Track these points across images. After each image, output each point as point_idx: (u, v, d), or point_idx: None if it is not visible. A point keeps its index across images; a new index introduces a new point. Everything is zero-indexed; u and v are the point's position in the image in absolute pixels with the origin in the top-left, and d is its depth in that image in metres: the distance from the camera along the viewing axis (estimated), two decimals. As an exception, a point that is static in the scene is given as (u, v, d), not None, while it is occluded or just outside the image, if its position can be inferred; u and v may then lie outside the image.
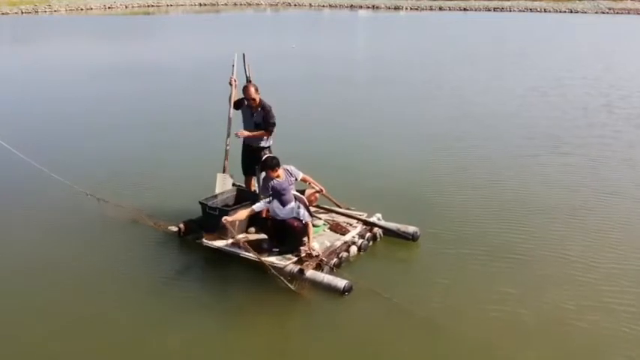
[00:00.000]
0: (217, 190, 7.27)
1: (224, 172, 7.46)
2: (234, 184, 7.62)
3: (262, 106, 7.12)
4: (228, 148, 7.49)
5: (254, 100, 7.08)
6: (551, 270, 6.45)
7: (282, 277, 5.96)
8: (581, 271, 6.44)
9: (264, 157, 6.84)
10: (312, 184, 7.15)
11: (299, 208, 6.28)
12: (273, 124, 7.14)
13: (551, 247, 7.01)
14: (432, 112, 14.40)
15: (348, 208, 7.48)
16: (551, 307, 5.71)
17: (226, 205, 7.11)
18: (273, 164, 6.59)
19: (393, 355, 5.04)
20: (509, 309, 5.68)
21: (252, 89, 7.06)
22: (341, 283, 5.84)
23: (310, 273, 6.02)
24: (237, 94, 7.36)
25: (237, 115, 7.45)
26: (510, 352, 5.07)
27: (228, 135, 7.47)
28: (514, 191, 8.90)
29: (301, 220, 6.24)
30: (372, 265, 6.53)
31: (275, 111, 7.25)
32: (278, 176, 6.59)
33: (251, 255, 6.26)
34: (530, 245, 7.05)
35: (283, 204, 6.25)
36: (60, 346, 5.18)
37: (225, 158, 7.51)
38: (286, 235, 6.38)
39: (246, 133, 7.19)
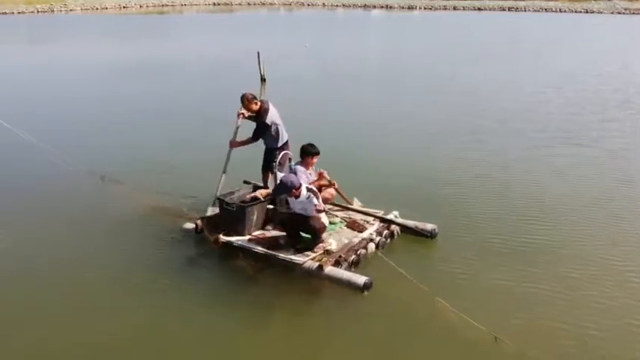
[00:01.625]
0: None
1: (213, 206, 7.32)
2: (247, 182, 7.67)
3: (261, 113, 7.22)
4: (220, 183, 7.38)
5: (251, 110, 7.29)
6: (575, 258, 6.52)
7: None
8: (604, 253, 6.59)
9: (302, 145, 6.99)
10: (324, 178, 7.09)
11: (308, 198, 6.22)
12: (255, 136, 7.31)
13: (573, 237, 7.07)
14: (446, 110, 14.34)
15: (362, 206, 7.43)
16: (578, 300, 5.71)
17: (243, 202, 7.13)
18: (309, 151, 6.82)
19: (412, 353, 4.99)
20: (531, 302, 5.65)
21: (247, 103, 7.25)
22: (361, 279, 5.79)
23: (329, 269, 5.98)
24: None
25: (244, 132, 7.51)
26: (533, 349, 4.97)
27: (224, 172, 7.42)
28: (531, 183, 8.95)
29: (318, 216, 6.24)
30: (390, 262, 6.41)
31: (282, 111, 7.38)
32: (312, 164, 6.81)
33: (269, 251, 6.26)
34: (551, 233, 7.14)
35: (297, 197, 6.25)
36: (75, 338, 5.20)
37: (216, 194, 7.31)
38: (302, 231, 6.37)
39: (235, 144, 7.39)
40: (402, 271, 5.92)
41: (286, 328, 5.44)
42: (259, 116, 7.23)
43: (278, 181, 6.63)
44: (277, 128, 7.29)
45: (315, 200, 6.23)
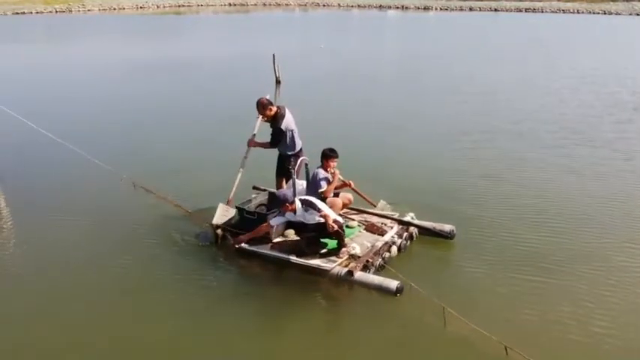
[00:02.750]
0: (215, 219, 7.04)
1: (227, 203, 7.28)
2: (256, 188, 7.72)
3: (276, 119, 7.19)
4: (237, 181, 7.35)
5: (266, 115, 7.25)
6: (592, 259, 6.53)
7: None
8: (621, 255, 6.63)
9: (323, 150, 6.99)
10: (337, 177, 7.03)
11: (306, 211, 6.23)
12: (273, 142, 7.27)
13: (589, 238, 7.07)
14: (462, 110, 14.37)
15: (390, 208, 7.45)
16: (596, 303, 5.68)
17: (261, 206, 7.18)
18: (329, 155, 6.88)
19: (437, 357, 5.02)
20: (546, 306, 5.63)
21: (262, 108, 7.21)
22: (393, 284, 5.72)
23: (359, 274, 5.92)
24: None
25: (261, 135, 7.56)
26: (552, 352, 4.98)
27: (241, 171, 7.39)
28: (546, 183, 9.02)
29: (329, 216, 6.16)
30: (413, 264, 6.45)
31: (297, 113, 7.38)
32: (331, 167, 6.86)
33: (294, 258, 6.22)
34: (567, 234, 7.16)
35: (294, 212, 6.28)
36: (96, 337, 5.24)
37: (231, 191, 7.31)
38: (322, 237, 6.37)
39: (253, 143, 7.36)
40: (418, 289, 5.71)
41: (301, 335, 5.38)
42: (275, 122, 7.18)
43: (291, 189, 6.63)
44: (292, 134, 7.24)
45: (315, 212, 6.18)
